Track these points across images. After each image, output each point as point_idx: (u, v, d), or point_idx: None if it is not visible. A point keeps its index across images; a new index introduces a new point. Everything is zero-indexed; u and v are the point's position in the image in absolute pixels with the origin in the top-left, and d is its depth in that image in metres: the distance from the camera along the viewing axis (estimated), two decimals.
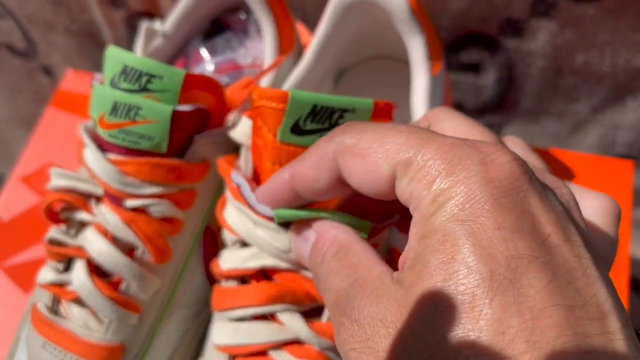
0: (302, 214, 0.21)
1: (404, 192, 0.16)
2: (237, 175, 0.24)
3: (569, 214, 0.16)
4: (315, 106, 0.22)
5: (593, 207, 0.20)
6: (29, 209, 0.40)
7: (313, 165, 0.19)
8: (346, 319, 0.16)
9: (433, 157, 0.16)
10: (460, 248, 0.14)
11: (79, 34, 0.50)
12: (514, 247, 0.14)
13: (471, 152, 0.15)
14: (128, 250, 0.27)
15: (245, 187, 0.23)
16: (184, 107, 0.26)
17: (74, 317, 0.27)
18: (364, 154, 0.17)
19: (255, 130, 0.24)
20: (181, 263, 0.29)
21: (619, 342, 0.13)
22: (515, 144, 0.22)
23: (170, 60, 0.36)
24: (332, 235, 0.19)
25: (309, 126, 0.22)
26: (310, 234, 0.20)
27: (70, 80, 0.45)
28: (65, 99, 0.44)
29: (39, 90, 0.56)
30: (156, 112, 0.26)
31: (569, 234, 0.15)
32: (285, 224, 0.22)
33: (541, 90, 0.45)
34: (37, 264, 0.38)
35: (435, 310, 0.14)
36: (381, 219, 0.22)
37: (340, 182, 0.18)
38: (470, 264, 0.14)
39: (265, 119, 0.23)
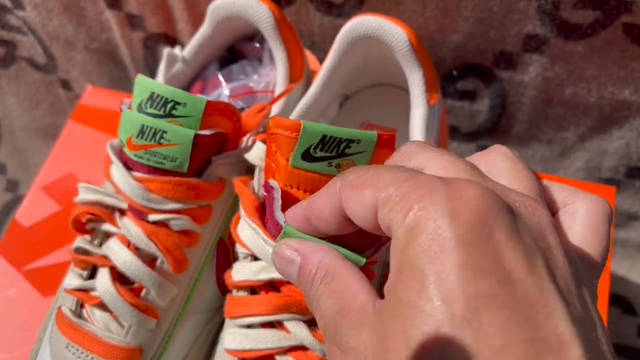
0: (306, 237, 0.22)
1: (384, 220, 0.18)
2: (274, 181, 0.26)
3: (539, 243, 0.17)
4: (324, 136, 0.24)
5: (585, 208, 0.20)
6: (48, 216, 0.42)
7: (323, 196, 0.21)
8: (335, 348, 0.18)
9: (408, 192, 0.17)
10: (427, 288, 0.16)
11: (98, 52, 0.52)
12: (475, 287, 0.15)
13: (442, 189, 0.17)
14: (149, 260, 0.30)
15: (278, 191, 0.25)
16: (205, 132, 0.29)
17: (97, 321, 0.29)
18: (358, 187, 0.19)
19: (270, 154, 0.26)
20: (196, 273, 0.31)
21: None
22: (502, 155, 0.21)
23: (189, 84, 0.38)
24: (318, 258, 0.20)
25: (319, 154, 0.24)
26: (295, 256, 0.21)
27: (90, 95, 0.47)
28: (85, 113, 0.46)
29: (56, 102, 0.58)
30: (180, 136, 0.28)
31: (533, 267, 0.16)
32: None
33: (532, 118, 0.47)
34: (55, 269, 0.40)
35: (407, 347, 0.16)
36: (370, 246, 0.25)
37: (344, 216, 0.21)
38: (434, 304, 0.15)
39: (280, 145, 0.25)
